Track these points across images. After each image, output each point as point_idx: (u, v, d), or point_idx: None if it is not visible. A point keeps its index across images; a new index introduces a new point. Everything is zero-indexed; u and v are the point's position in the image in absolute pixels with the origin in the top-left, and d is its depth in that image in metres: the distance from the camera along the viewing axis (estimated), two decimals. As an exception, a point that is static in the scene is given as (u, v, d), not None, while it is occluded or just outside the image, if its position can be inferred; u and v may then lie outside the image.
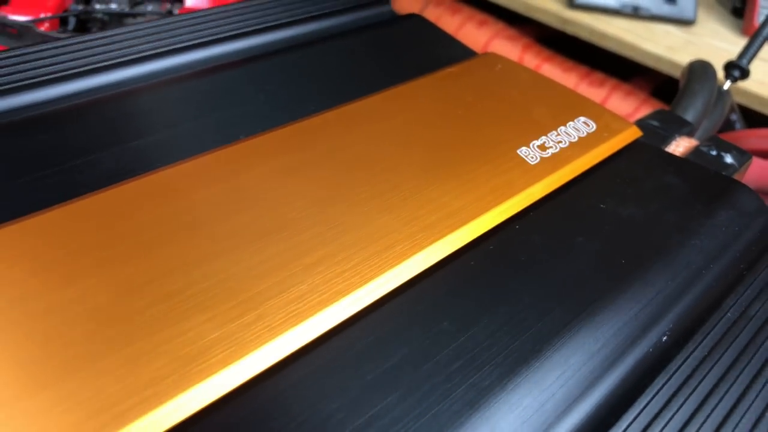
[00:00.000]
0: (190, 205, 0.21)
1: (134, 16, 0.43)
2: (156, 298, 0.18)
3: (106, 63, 0.28)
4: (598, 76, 0.73)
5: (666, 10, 0.74)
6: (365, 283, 0.19)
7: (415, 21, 0.35)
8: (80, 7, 0.43)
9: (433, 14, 0.85)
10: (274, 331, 0.18)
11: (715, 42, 0.73)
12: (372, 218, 0.22)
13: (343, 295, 0.19)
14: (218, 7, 0.33)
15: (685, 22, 0.74)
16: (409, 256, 0.20)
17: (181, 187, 0.22)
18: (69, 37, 0.28)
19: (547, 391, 0.18)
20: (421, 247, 0.21)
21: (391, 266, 0.20)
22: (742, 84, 0.63)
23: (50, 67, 0.27)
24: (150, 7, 0.44)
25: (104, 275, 0.18)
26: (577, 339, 0.19)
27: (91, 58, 0.28)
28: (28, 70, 0.27)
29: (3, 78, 0.26)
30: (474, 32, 0.81)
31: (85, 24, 0.43)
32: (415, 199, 0.23)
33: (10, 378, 0.16)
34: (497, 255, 0.22)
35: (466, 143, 0.26)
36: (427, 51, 0.34)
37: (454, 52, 0.34)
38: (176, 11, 0.45)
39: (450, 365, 0.18)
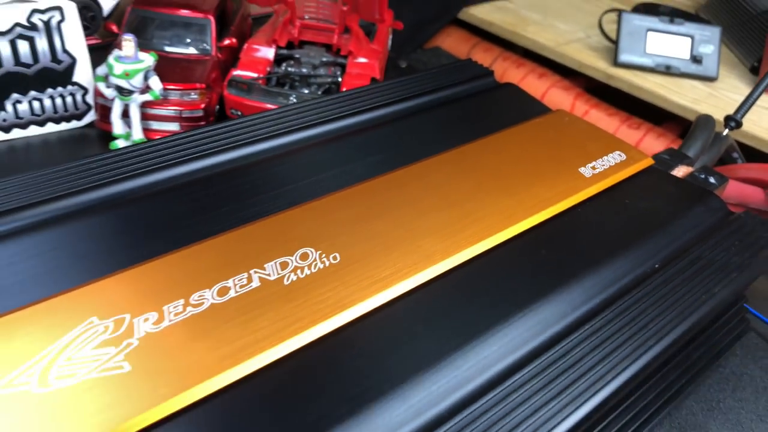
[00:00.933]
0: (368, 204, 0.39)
1: (315, 77, 0.64)
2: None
3: (274, 132, 0.46)
4: (636, 120, 0.92)
5: (693, 68, 0.93)
6: (490, 235, 0.39)
7: (511, 88, 0.55)
8: (279, 70, 0.64)
9: (501, 66, 1.05)
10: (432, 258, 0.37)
11: (733, 95, 0.90)
12: (485, 203, 0.41)
13: (476, 242, 0.38)
14: (353, 90, 0.51)
15: (708, 79, 0.93)
16: (516, 222, 0.40)
17: (352, 199, 0.40)
18: (241, 120, 0.46)
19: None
20: (528, 216, 0.40)
21: (502, 228, 0.39)
22: (751, 129, 0.81)
23: (241, 136, 0.45)
24: (322, 71, 0.65)
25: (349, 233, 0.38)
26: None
27: (266, 128, 0.46)
28: (235, 135, 0.45)
29: (223, 141, 0.45)
30: (535, 82, 1.01)
31: (282, 80, 0.64)
32: (516, 194, 0.42)
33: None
34: (567, 224, 0.41)
35: (546, 163, 0.45)
36: (517, 109, 0.53)
37: (535, 109, 0.53)
38: (339, 78, 0.65)
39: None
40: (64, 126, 0.60)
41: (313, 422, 0.27)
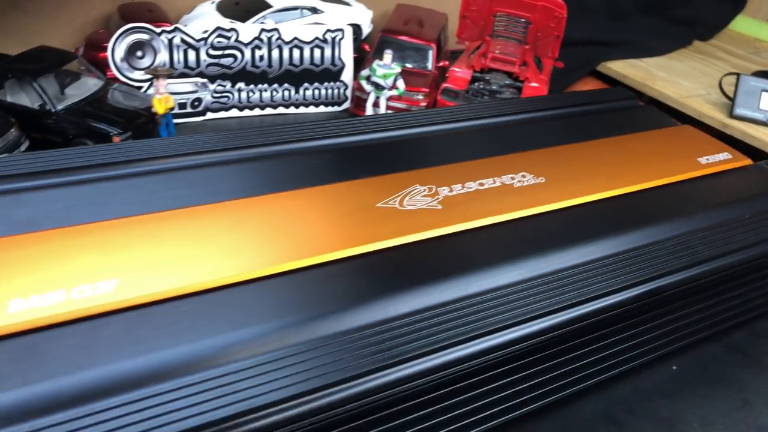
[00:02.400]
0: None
1: (500, 93, 0.90)
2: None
3: (485, 116, 0.72)
4: (745, 161, 1.11)
5: (799, 125, 1.11)
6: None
7: (649, 108, 0.78)
8: (474, 87, 0.90)
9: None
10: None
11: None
12: (634, 170, 0.63)
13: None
14: (530, 97, 0.77)
15: (812, 134, 1.10)
16: (654, 180, 0.62)
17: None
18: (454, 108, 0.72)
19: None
20: (661, 178, 0.62)
21: (646, 181, 0.61)
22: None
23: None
24: (505, 90, 0.90)
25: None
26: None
27: (478, 113, 0.72)
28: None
29: (443, 117, 0.71)
30: (658, 126, 1.22)
31: (476, 94, 0.90)
32: (655, 166, 0.64)
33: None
34: (686, 187, 0.63)
35: (674, 152, 0.67)
36: (654, 121, 0.75)
37: (668, 123, 0.75)
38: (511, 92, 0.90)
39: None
40: (329, 109, 0.88)
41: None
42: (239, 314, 0.40)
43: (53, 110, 0.67)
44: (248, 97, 0.83)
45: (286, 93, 0.85)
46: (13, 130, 0.63)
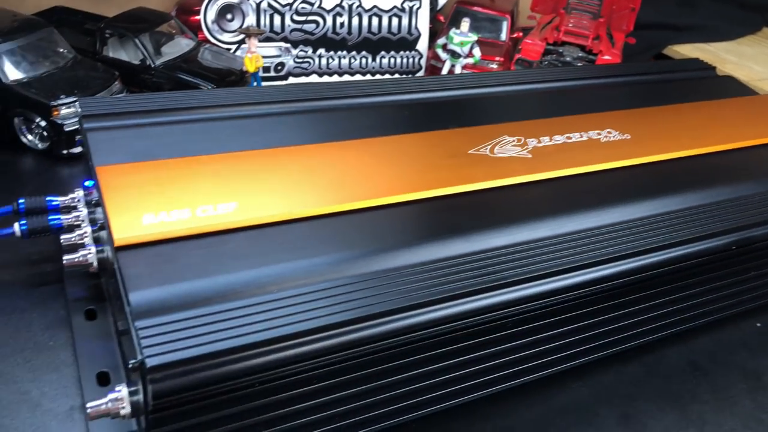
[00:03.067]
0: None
1: (572, 65, 0.90)
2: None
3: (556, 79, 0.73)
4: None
5: None
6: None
7: (730, 78, 0.77)
8: (547, 59, 0.91)
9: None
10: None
11: None
12: (713, 130, 0.63)
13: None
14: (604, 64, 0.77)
15: None
16: (729, 143, 0.62)
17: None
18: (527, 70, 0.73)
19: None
20: (735, 142, 0.62)
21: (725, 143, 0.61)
22: None
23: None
24: (578, 63, 0.91)
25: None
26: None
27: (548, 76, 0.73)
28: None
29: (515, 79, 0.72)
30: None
31: (549, 65, 0.91)
32: (735, 127, 0.64)
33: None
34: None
35: (756, 120, 0.67)
36: (735, 90, 0.75)
37: (749, 92, 0.75)
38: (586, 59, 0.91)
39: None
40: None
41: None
42: (345, 238, 0.42)
43: (152, 65, 0.71)
44: (328, 63, 0.85)
45: (363, 60, 0.87)
46: (116, 82, 0.67)
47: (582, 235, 0.46)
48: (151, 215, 0.40)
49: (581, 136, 0.58)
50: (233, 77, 0.73)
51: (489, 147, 0.54)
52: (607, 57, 0.91)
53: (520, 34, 0.95)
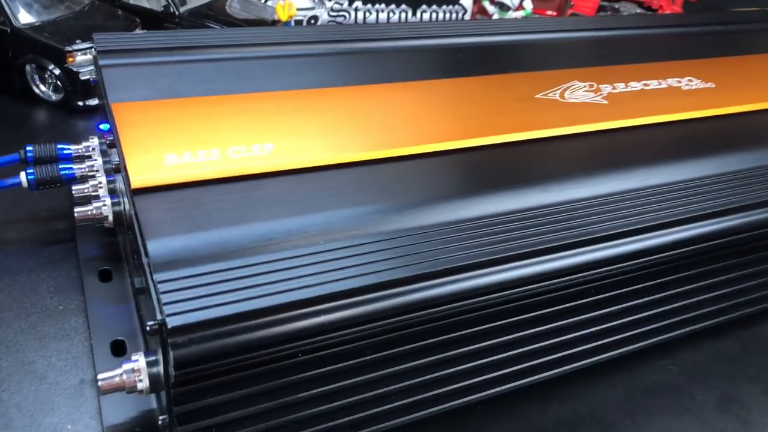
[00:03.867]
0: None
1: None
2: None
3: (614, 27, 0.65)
4: None
5: None
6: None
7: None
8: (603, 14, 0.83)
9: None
10: None
11: None
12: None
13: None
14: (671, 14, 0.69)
15: None
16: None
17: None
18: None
19: None
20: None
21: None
22: None
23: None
24: (628, 9, 0.83)
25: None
26: None
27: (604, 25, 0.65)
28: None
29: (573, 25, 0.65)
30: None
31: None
32: None
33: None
34: None
35: None
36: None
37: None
38: None
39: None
40: (445, 34, 0.83)
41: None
42: (399, 186, 0.36)
43: (177, 13, 0.64)
44: (365, 17, 0.79)
45: (403, 15, 0.80)
46: (137, 30, 0.61)
47: (673, 188, 0.39)
48: (173, 155, 0.34)
49: (660, 84, 0.51)
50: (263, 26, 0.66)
51: (558, 92, 0.47)
52: (667, 13, 0.83)
53: (573, -14, 0.88)
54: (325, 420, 0.31)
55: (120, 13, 0.63)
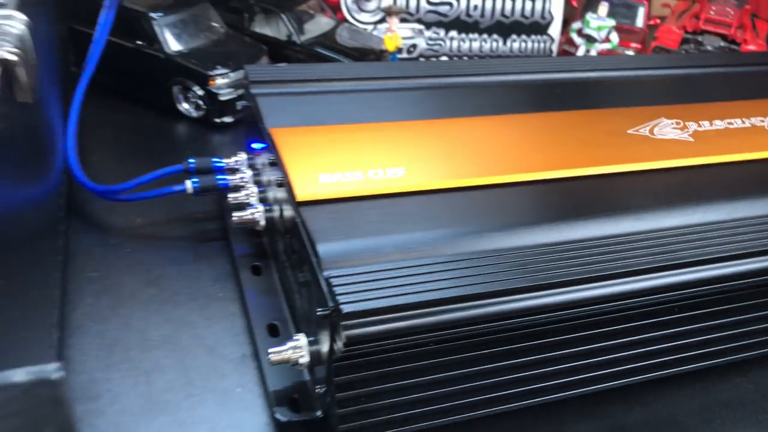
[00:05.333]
0: None
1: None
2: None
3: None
4: None
5: None
6: None
7: None
8: (685, 47, 0.87)
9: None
10: None
11: None
12: None
13: None
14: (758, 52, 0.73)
15: None
16: None
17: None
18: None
19: None
20: None
21: None
22: None
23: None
24: (719, 46, 0.87)
25: None
26: None
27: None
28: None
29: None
30: None
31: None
32: None
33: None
34: None
35: None
36: None
37: None
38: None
39: None
40: (533, 62, 0.89)
41: None
42: (512, 209, 0.42)
43: (297, 41, 0.73)
44: (459, 46, 0.85)
45: (494, 44, 0.86)
46: (264, 57, 0.69)
47: (753, 221, 0.44)
48: (326, 175, 0.42)
49: (743, 122, 0.56)
50: (372, 56, 0.74)
51: (648, 128, 0.53)
52: (751, 47, 0.87)
53: (657, 21, 0.92)
54: (448, 399, 0.38)
55: (249, 40, 0.71)
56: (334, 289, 0.33)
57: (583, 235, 0.40)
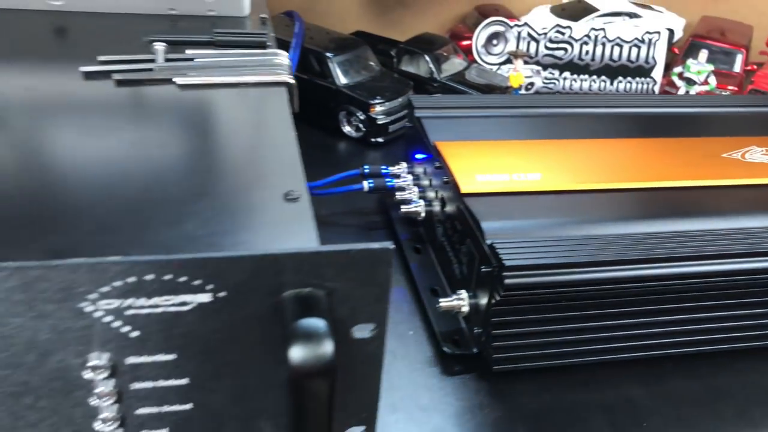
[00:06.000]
0: None
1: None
2: None
3: None
4: None
5: None
6: None
7: None
8: (783, 90, 0.96)
9: None
10: None
11: None
12: None
13: None
14: None
15: None
16: None
17: None
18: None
19: None
20: None
21: None
22: None
23: None
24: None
25: None
26: None
27: None
28: None
29: None
30: None
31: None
32: None
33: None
34: None
35: None
36: None
37: None
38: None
39: None
40: (636, 101, 1.00)
41: None
42: (624, 207, 0.54)
43: (437, 78, 0.88)
44: (570, 85, 0.98)
45: (602, 84, 0.99)
46: (410, 90, 0.85)
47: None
48: (482, 175, 0.55)
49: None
50: (497, 91, 0.88)
51: (740, 153, 0.63)
52: (844, 92, 0.95)
53: (754, 66, 1.01)
54: (575, 345, 0.50)
55: (397, 77, 0.87)
56: (497, 251, 0.47)
57: (683, 228, 0.52)
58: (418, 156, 0.65)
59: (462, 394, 0.49)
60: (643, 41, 0.97)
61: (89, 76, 0.45)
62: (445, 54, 0.92)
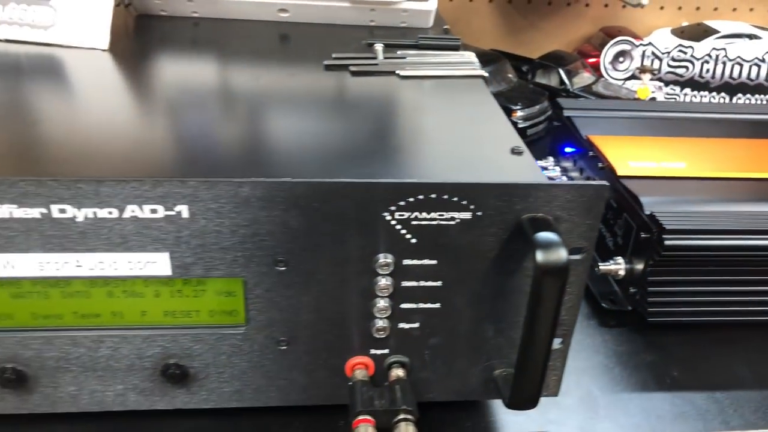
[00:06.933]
0: None
1: None
2: None
3: None
4: None
5: None
6: None
7: None
8: None
9: None
10: None
11: None
12: None
13: None
14: None
15: None
16: None
17: None
18: None
19: None
20: None
21: None
22: None
23: None
24: None
25: None
26: None
27: None
28: None
29: None
30: None
31: None
32: None
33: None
34: None
35: None
36: None
37: None
38: None
39: None
40: (755, 116, 1.06)
41: None
42: (750, 192, 0.62)
43: (569, 89, 0.97)
44: (690, 101, 1.05)
45: (722, 101, 1.05)
46: (546, 100, 0.95)
47: None
48: (633, 162, 0.64)
49: None
50: (625, 102, 0.96)
51: None
52: None
53: None
54: (721, 304, 0.58)
55: (533, 87, 0.97)
56: (656, 218, 0.55)
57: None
58: (568, 150, 0.74)
59: (619, 342, 0.58)
60: (763, 60, 1.03)
61: (329, 68, 0.58)
62: (575, 69, 1.02)
